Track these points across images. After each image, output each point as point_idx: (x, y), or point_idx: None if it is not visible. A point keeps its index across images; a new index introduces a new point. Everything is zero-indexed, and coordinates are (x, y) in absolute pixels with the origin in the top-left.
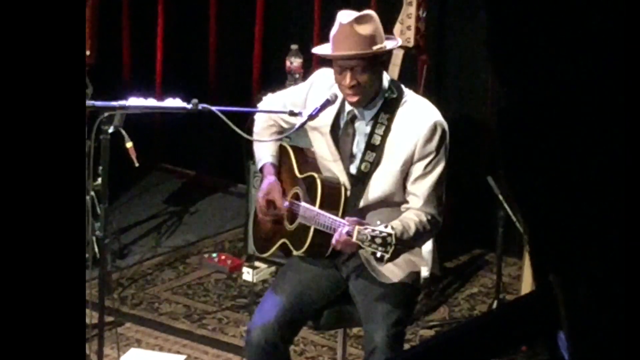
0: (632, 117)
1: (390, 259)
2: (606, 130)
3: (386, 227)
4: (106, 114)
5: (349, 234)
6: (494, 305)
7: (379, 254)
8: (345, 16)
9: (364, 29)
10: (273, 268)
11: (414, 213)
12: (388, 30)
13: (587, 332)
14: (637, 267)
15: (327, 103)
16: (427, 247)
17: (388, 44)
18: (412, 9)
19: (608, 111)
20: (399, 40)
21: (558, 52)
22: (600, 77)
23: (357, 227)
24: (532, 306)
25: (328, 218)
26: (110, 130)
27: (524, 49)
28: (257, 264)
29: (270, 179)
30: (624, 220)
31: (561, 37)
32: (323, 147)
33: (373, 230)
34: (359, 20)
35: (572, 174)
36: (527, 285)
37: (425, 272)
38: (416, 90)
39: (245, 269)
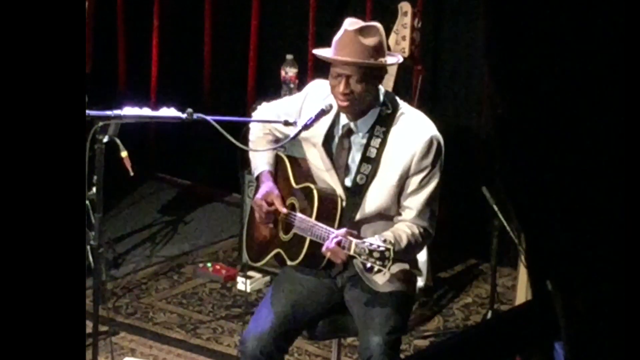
0: (633, 124)
1: (387, 272)
2: (605, 137)
3: (384, 241)
4: (101, 124)
5: (339, 243)
6: (489, 315)
7: (376, 268)
8: (351, 23)
9: (367, 40)
10: (267, 278)
11: (406, 225)
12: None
13: (586, 342)
14: (638, 275)
15: (322, 113)
16: (423, 257)
17: (389, 59)
18: (407, 19)
19: (608, 116)
20: (399, 57)
21: (556, 58)
22: (600, 83)
23: (354, 241)
24: (527, 316)
25: (324, 230)
26: (105, 139)
27: (521, 55)
28: (251, 273)
29: (267, 184)
30: (624, 227)
31: (559, 44)
32: (316, 158)
33: (371, 244)
34: (363, 30)
35: (571, 182)
36: (521, 295)
37: (420, 282)
38: (411, 101)
39: (239, 279)
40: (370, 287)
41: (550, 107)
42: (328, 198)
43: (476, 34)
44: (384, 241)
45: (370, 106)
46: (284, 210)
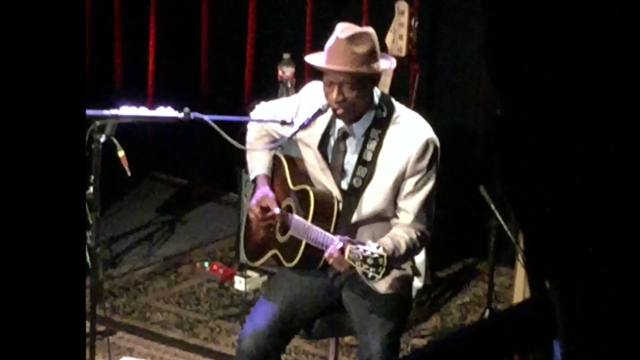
0: (632, 123)
1: (381, 279)
2: (605, 136)
3: (378, 247)
4: (98, 123)
5: (343, 251)
6: (486, 314)
7: (370, 274)
8: (343, 30)
9: (359, 47)
10: (265, 277)
11: (404, 230)
12: (380, 39)
13: (584, 341)
14: (637, 274)
15: (319, 113)
16: (420, 257)
17: (382, 64)
18: (404, 18)
19: (607, 116)
20: (393, 60)
21: (555, 58)
22: (599, 81)
23: (349, 246)
24: (525, 315)
25: (319, 233)
26: (102, 139)
27: (520, 55)
28: (249, 273)
29: (263, 189)
30: (623, 226)
31: (558, 44)
32: (312, 160)
33: (365, 251)
34: (355, 38)
35: (570, 181)
36: (519, 294)
37: (418, 282)
38: (408, 100)
39: (237, 278)
40: (369, 289)
41: (548, 107)
42: (324, 200)
43: (473, 33)
44: (378, 247)
45: (365, 110)
46: (277, 211)
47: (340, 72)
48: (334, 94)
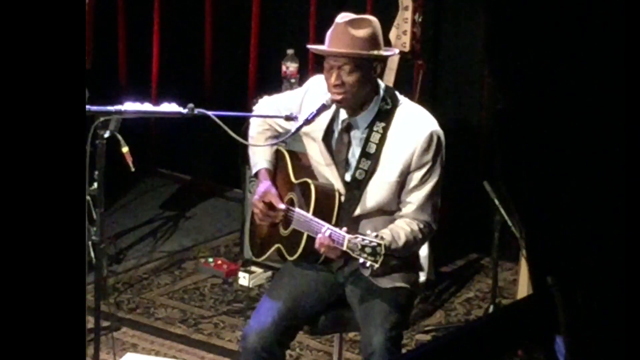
0: (632, 119)
1: (379, 268)
2: (605, 131)
3: (376, 236)
4: (102, 119)
5: (332, 237)
6: (490, 309)
7: (368, 263)
8: (342, 17)
9: (358, 31)
10: (269, 273)
11: (405, 222)
12: (384, 34)
13: (586, 336)
14: (637, 270)
15: (323, 107)
16: (424, 252)
17: (384, 52)
18: (408, 14)
19: (607, 113)
20: (396, 51)
21: (556, 53)
22: (599, 78)
23: (347, 236)
24: (528, 310)
25: (319, 225)
26: (106, 135)
27: (521, 51)
28: (253, 268)
29: (265, 183)
30: (624, 222)
31: (559, 39)
32: (316, 153)
33: (363, 240)
34: (354, 22)
35: (571, 176)
36: (523, 289)
37: (422, 277)
38: (412, 95)
39: (241, 274)
40: (372, 283)
41: (550, 102)
42: (326, 193)
43: (477, 28)
44: (376, 236)
45: (366, 100)
46: (281, 206)
47: (338, 55)
48: (333, 78)
